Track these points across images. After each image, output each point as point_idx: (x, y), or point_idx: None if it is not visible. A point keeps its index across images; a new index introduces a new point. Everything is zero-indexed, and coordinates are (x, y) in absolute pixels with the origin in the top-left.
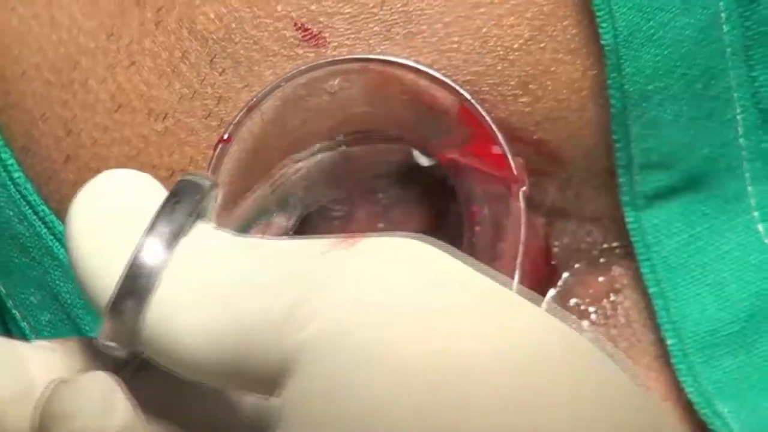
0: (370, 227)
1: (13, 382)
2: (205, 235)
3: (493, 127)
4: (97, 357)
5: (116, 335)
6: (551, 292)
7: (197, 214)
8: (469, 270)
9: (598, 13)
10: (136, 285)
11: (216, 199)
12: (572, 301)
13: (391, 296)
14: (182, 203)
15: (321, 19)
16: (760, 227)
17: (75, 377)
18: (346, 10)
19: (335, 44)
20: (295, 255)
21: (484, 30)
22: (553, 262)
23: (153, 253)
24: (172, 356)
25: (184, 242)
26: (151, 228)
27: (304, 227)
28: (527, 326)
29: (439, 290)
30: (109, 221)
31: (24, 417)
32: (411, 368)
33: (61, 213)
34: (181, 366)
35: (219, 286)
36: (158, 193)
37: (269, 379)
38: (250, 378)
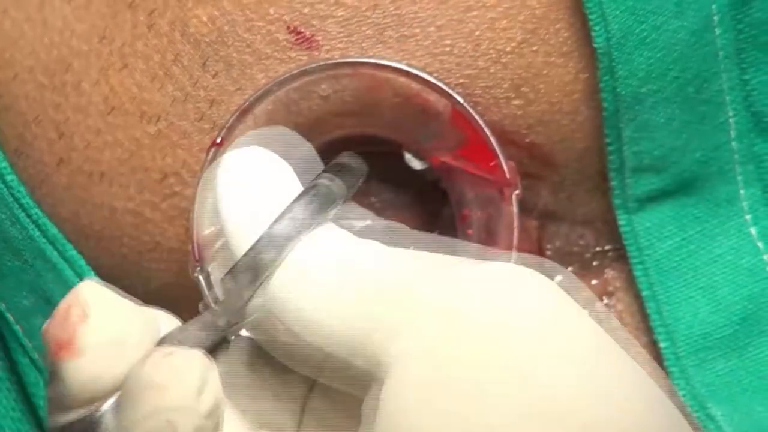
0: None
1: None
2: (333, 236)
3: (486, 130)
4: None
5: (237, 294)
6: None
7: (345, 196)
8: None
9: (590, 16)
10: (274, 245)
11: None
12: None
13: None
14: (337, 181)
15: (314, 22)
16: (753, 230)
17: (174, 350)
18: (339, 14)
19: (328, 47)
20: (425, 267)
21: (477, 33)
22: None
23: (295, 223)
24: (284, 324)
25: (328, 223)
26: (301, 197)
27: None
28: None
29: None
30: (260, 188)
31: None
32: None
33: (54, 216)
34: (288, 336)
35: (350, 272)
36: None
37: (366, 376)
38: (345, 369)
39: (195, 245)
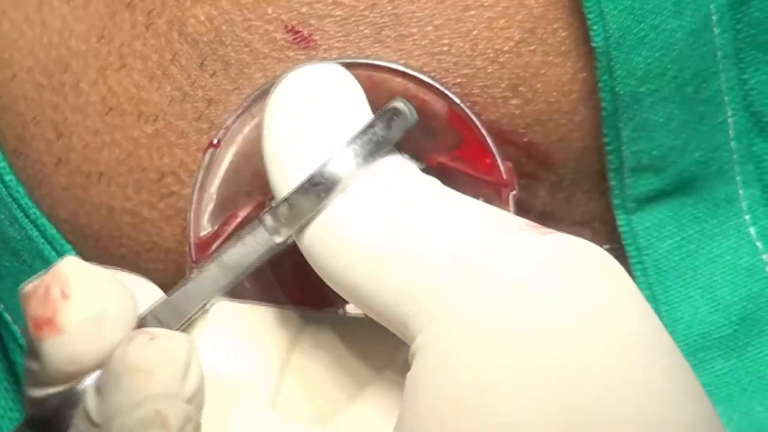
0: None
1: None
2: (403, 164)
3: (483, 130)
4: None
5: (291, 217)
6: None
7: (397, 140)
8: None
9: (588, 16)
10: (328, 177)
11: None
12: None
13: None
14: (393, 124)
15: (311, 21)
16: (752, 230)
17: (158, 333)
18: (337, 13)
19: (326, 47)
20: (490, 226)
21: (475, 33)
22: None
23: (352, 161)
24: (326, 268)
25: (383, 162)
26: (358, 137)
27: None
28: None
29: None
30: (316, 119)
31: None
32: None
33: (53, 216)
34: (332, 280)
35: (398, 227)
36: (362, 101)
37: (406, 326)
38: (385, 314)
39: (191, 245)
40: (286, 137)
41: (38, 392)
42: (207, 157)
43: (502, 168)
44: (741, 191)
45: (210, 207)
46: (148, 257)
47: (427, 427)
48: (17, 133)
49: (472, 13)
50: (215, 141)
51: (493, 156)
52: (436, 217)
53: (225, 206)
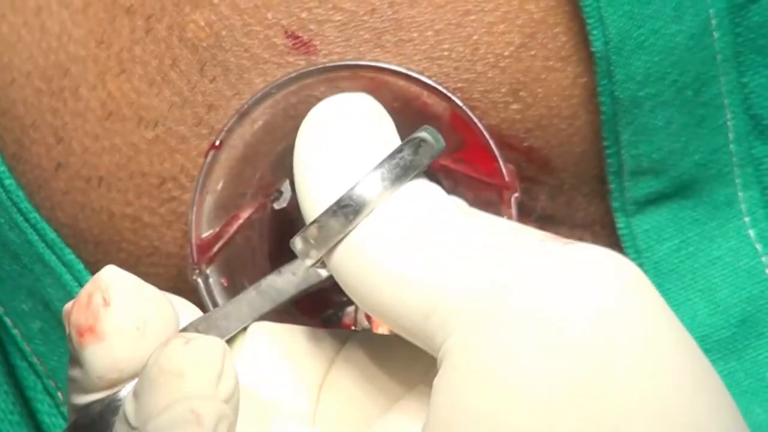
0: None
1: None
2: (429, 188)
3: (485, 133)
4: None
5: (320, 239)
6: None
7: (424, 166)
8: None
9: (588, 20)
10: (357, 201)
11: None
12: None
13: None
14: (420, 150)
15: (311, 26)
16: (751, 233)
17: (193, 337)
18: (337, 18)
19: (326, 52)
20: (512, 241)
21: (475, 37)
22: None
23: (379, 185)
24: (354, 288)
25: (410, 186)
26: (385, 162)
27: None
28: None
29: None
30: (345, 144)
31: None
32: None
33: (52, 220)
34: (359, 300)
35: (423, 248)
36: (391, 129)
37: (432, 340)
38: (412, 330)
39: (193, 246)
40: (315, 163)
41: (81, 399)
42: (209, 158)
43: (504, 170)
44: (740, 194)
45: (211, 208)
46: (149, 261)
47: (452, 430)
48: (16, 138)
49: (473, 17)
50: (217, 143)
51: (496, 158)
52: (459, 238)
53: (227, 207)
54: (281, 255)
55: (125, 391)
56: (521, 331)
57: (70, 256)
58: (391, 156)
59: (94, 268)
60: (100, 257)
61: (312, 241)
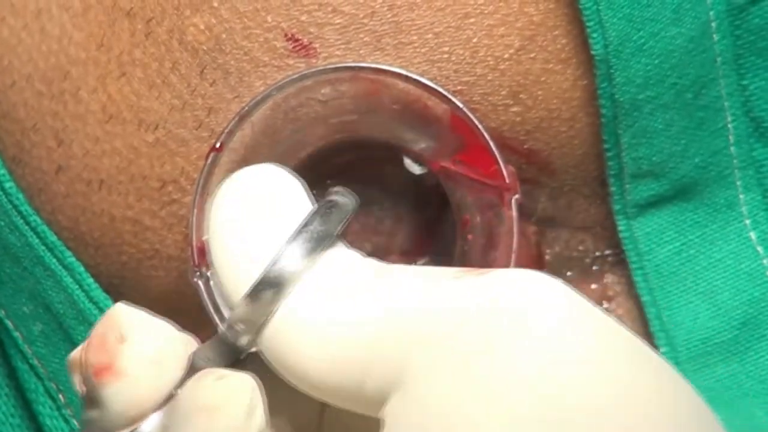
0: (363, 237)
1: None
2: (342, 254)
3: (486, 135)
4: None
5: (247, 323)
6: None
7: (339, 232)
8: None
9: (588, 23)
10: (275, 280)
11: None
12: None
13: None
14: (331, 218)
15: (311, 29)
16: (752, 235)
17: (226, 373)
18: (336, 21)
19: (325, 55)
20: (427, 283)
21: (475, 40)
22: (545, 271)
23: (295, 260)
24: (287, 363)
25: (324, 256)
26: (297, 235)
27: None
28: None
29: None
30: (257, 220)
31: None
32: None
33: (53, 223)
34: (295, 375)
35: (347, 308)
36: (301, 197)
37: (374, 402)
38: (353, 398)
39: (194, 250)
40: (229, 245)
41: None
42: (209, 160)
43: (504, 172)
44: (741, 196)
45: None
46: (150, 264)
47: None
48: (16, 141)
49: (472, 20)
50: (217, 145)
51: (496, 160)
52: (379, 293)
53: None
54: None
55: (147, 426)
56: (455, 376)
57: (71, 259)
58: (300, 230)
59: (94, 271)
60: (100, 260)
61: (239, 329)
